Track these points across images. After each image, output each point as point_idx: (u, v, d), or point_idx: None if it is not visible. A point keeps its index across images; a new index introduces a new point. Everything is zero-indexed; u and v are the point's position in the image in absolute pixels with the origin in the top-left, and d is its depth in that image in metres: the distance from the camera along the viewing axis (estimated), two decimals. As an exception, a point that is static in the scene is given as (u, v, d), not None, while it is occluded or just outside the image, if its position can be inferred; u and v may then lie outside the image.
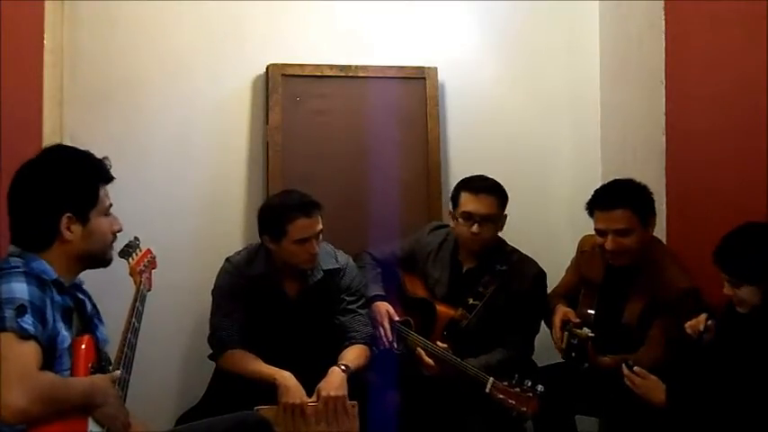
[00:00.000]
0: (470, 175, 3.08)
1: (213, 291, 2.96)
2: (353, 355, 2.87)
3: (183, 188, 3.46)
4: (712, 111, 2.97)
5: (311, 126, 3.51)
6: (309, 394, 2.72)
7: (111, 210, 2.11)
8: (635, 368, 2.48)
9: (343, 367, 2.77)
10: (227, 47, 3.50)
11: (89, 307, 2.11)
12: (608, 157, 3.69)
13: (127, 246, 2.34)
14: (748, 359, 2.22)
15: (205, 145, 3.49)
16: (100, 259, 2.08)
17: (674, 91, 3.16)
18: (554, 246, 3.47)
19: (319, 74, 3.52)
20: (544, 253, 3.19)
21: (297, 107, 3.49)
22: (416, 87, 3.61)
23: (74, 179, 2.01)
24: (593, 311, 2.85)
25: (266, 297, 2.91)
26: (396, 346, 3.05)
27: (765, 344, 2.22)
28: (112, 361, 2.05)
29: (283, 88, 3.47)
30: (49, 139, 3.13)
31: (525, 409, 2.62)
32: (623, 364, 2.51)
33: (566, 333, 2.72)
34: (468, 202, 2.95)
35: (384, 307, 3.09)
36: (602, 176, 3.57)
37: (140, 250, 2.41)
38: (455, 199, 3.03)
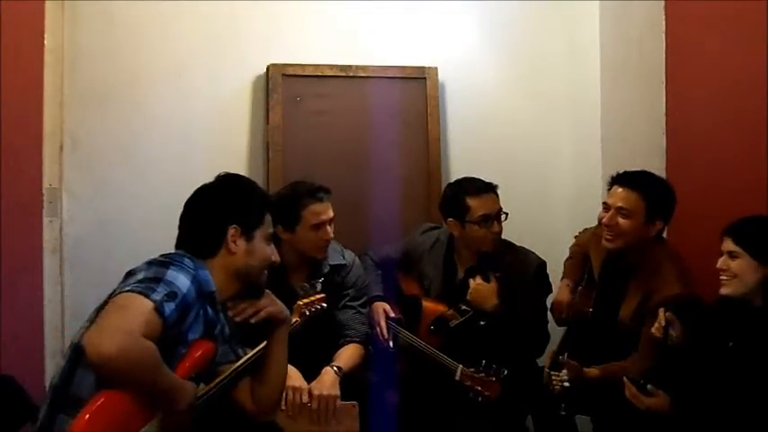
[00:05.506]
0: (461, 177, 3.12)
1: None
2: (347, 354, 2.89)
3: (183, 188, 3.44)
4: (712, 111, 2.97)
5: (311, 126, 3.52)
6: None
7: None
8: (648, 387, 2.28)
9: (336, 368, 2.79)
10: (227, 47, 3.51)
11: (227, 330, 2.13)
12: (608, 157, 3.67)
13: (307, 283, 2.50)
14: (736, 356, 2.22)
15: (205, 145, 3.49)
16: (254, 281, 2.13)
17: (674, 91, 3.16)
18: (554, 246, 3.46)
19: (319, 74, 3.53)
20: (544, 253, 3.18)
21: (297, 107, 3.50)
22: (416, 87, 3.61)
23: (246, 197, 2.17)
24: (590, 309, 2.86)
25: (273, 291, 2.92)
26: (391, 344, 3.07)
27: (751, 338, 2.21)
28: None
29: (283, 88, 3.48)
30: (50, 139, 3.14)
31: (489, 393, 2.79)
32: (626, 379, 2.37)
33: (547, 373, 2.70)
34: (481, 206, 2.98)
35: (381, 306, 3.12)
36: (602, 176, 3.56)
37: (317, 294, 2.53)
38: (461, 207, 3.01)
